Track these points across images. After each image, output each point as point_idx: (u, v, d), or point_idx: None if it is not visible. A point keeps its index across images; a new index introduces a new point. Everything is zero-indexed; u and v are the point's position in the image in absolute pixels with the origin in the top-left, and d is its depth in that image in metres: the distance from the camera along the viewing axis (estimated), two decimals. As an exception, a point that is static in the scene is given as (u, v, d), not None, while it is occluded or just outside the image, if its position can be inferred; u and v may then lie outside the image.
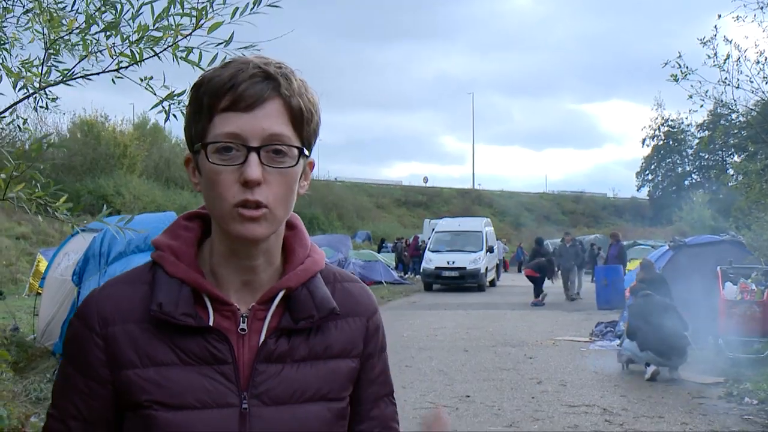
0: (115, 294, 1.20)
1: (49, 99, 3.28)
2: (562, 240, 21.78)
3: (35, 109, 3.31)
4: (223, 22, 2.49)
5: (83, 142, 33.35)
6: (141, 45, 2.78)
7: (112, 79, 2.87)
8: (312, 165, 1.26)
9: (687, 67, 9.68)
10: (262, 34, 2.49)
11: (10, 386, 5.44)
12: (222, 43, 2.51)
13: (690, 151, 61.06)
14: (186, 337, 1.16)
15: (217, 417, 1.14)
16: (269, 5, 2.36)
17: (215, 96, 1.14)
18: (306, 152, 1.19)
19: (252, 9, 2.46)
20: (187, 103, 1.22)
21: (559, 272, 20.37)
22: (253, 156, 1.12)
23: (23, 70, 3.16)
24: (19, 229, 23.36)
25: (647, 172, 63.01)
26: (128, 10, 2.84)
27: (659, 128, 61.30)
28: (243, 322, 1.19)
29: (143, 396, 1.14)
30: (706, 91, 10.43)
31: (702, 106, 10.53)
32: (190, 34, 2.66)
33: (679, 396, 7.97)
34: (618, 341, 10.55)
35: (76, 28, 2.99)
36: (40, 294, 10.46)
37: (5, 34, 3.60)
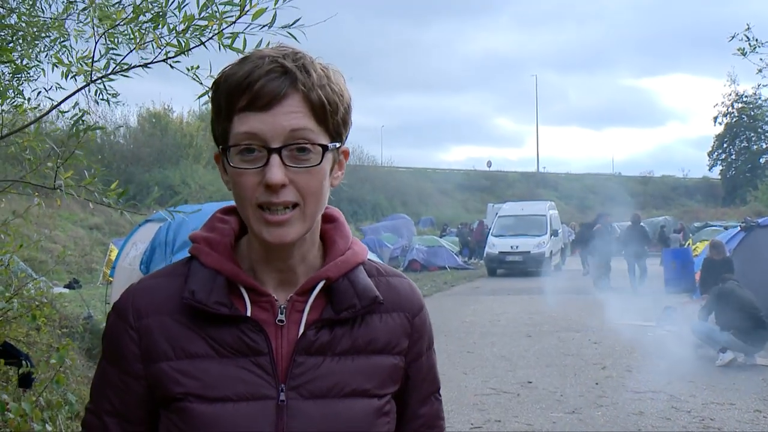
0: (150, 287, 1.20)
1: (110, 94, 3.37)
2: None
3: (96, 102, 3.40)
4: (266, 9, 2.52)
5: (150, 134, 34.24)
6: (187, 35, 2.83)
7: (170, 64, 2.93)
8: (347, 153, 1.21)
9: (756, 40, 9.20)
10: (303, 18, 2.50)
11: (76, 371, 5.65)
12: (265, 25, 2.54)
13: (767, 128, 58.48)
14: (220, 328, 1.14)
15: (253, 409, 1.12)
16: None
17: (232, 96, 1.11)
18: (336, 145, 1.16)
19: None
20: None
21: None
22: (275, 158, 1.09)
23: (76, 63, 3.24)
24: (92, 219, 24.21)
25: (719, 150, 60.66)
26: (174, 0, 2.89)
27: (733, 105, 58.84)
28: (281, 314, 1.16)
29: (177, 388, 1.12)
30: (778, 65, 9.92)
31: (772, 79, 10.03)
32: (234, 22, 2.70)
33: (752, 382, 7.70)
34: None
35: (124, 19, 3.06)
36: (111, 283, 10.82)
37: (67, 30, 3.69)
